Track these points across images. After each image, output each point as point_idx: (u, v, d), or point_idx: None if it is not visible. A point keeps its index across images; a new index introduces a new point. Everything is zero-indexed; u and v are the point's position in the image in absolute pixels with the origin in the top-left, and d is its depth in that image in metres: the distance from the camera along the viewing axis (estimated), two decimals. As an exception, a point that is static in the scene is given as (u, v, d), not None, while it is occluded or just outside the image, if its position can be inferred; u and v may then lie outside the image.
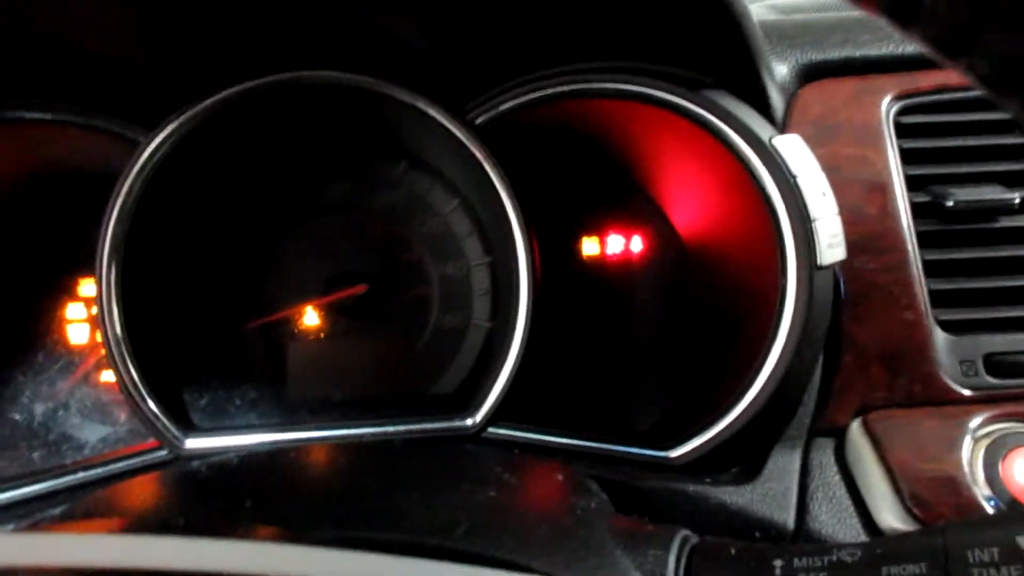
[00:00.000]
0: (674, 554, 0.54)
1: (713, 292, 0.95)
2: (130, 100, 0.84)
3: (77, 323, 0.98)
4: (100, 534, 0.30)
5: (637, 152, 0.96)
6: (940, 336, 0.81)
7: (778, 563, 0.51)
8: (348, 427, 0.85)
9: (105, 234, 0.81)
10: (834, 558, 0.50)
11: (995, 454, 0.74)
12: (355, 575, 0.36)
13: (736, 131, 0.78)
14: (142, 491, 0.61)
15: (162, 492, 0.61)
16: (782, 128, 0.84)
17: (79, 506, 0.62)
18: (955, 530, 0.49)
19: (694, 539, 0.56)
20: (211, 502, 0.58)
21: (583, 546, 0.54)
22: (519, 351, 0.85)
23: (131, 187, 0.81)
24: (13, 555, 0.29)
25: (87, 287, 0.99)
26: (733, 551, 0.54)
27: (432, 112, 0.84)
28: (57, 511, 0.67)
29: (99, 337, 0.84)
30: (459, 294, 1.02)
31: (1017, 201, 0.83)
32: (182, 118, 0.81)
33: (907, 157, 0.86)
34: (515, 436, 0.84)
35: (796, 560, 0.51)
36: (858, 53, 0.91)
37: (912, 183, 0.85)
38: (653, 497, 0.76)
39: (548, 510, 0.58)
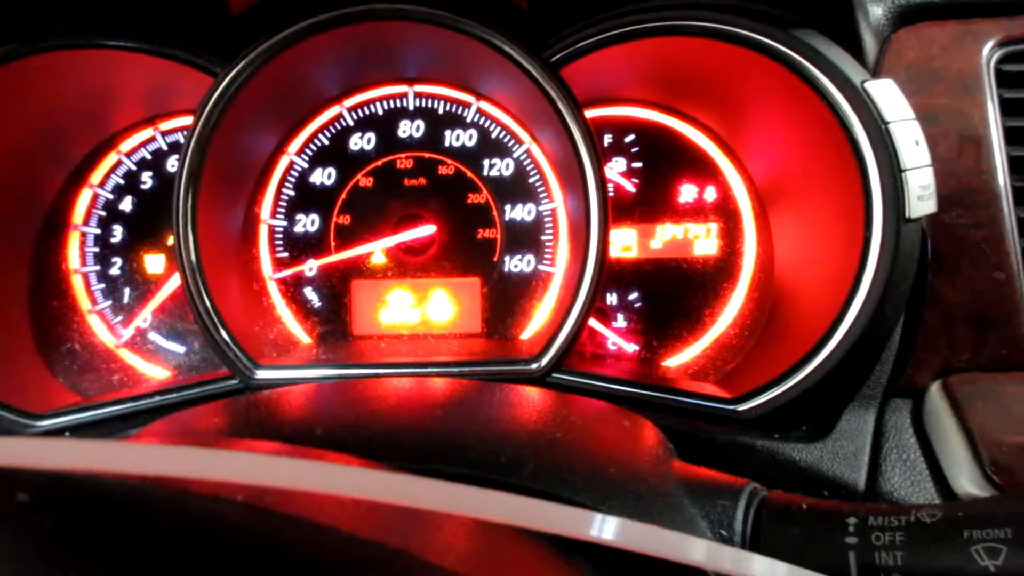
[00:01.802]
0: (743, 506, 0.53)
1: (790, 245, 0.92)
2: (207, 33, 0.84)
3: (153, 253, 1.01)
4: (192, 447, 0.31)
5: (716, 95, 0.93)
6: None
7: (852, 520, 0.50)
8: (414, 366, 0.86)
9: (183, 161, 0.82)
10: (912, 518, 0.49)
11: None
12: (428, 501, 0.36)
13: (826, 73, 0.74)
14: (215, 415, 0.62)
15: (234, 416, 0.62)
16: (875, 72, 0.80)
17: (155, 427, 0.64)
18: None
19: (763, 492, 0.55)
20: (282, 428, 0.59)
21: (651, 491, 0.53)
22: (588, 297, 0.84)
23: (209, 116, 0.82)
24: (120, 462, 0.30)
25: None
26: (804, 506, 0.52)
27: (507, 48, 0.82)
28: (135, 432, 0.69)
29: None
30: (526, 238, 1.01)
31: None
32: (258, 50, 0.81)
33: (1007, 108, 0.81)
34: (580, 382, 0.83)
35: (872, 518, 0.49)
36: (961, -5, 0.85)
37: (1011, 136, 0.80)
38: (719, 450, 0.74)
39: (614, 454, 0.58)
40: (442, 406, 0.64)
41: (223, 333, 0.82)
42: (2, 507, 0.29)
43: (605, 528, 0.40)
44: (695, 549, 0.43)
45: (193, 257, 0.82)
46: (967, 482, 0.69)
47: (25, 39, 0.79)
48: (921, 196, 0.72)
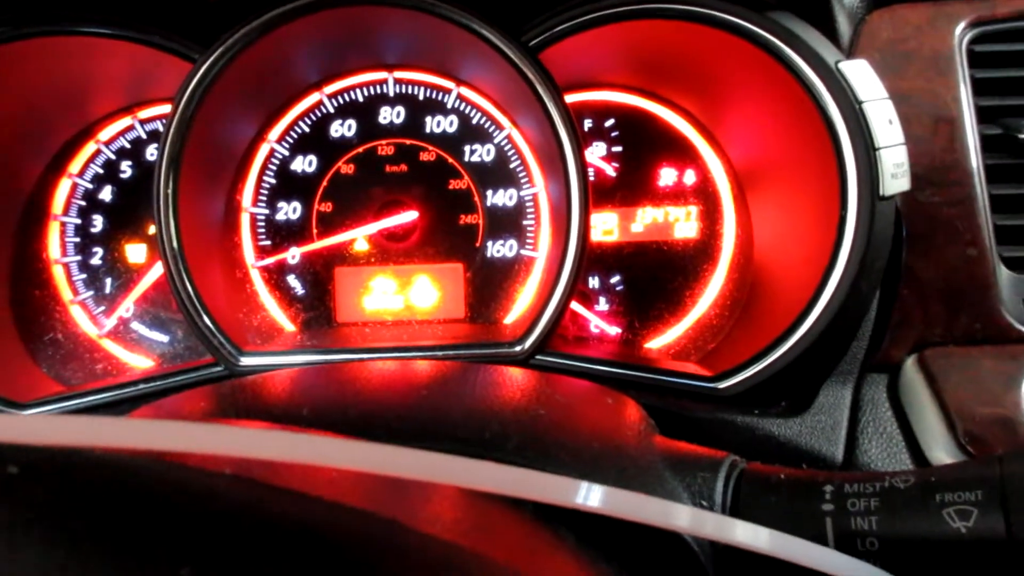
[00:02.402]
0: (722, 477, 0.54)
1: (768, 226, 0.94)
2: (185, 19, 0.84)
3: (134, 243, 1.00)
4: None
5: (694, 79, 0.94)
6: (1004, 273, 0.79)
7: (828, 488, 0.51)
8: (398, 351, 0.86)
9: (163, 149, 0.82)
10: (886, 484, 0.50)
11: None
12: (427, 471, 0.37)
13: (800, 55, 0.75)
14: (201, 399, 0.63)
15: (221, 400, 0.62)
16: (849, 54, 0.81)
17: (140, 413, 0.65)
18: (1012, 459, 0.48)
19: (742, 464, 0.56)
20: (269, 410, 0.60)
21: (633, 465, 0.54)
22: (569, 281, 0.85)
23: (188, 102, 0.82)
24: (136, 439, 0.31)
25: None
26: (782, 476, 0.54)
27: (486, 32, 0.83)
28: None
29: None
30: (508, 223, 1.02)
31: (1095, 135, 0.80)
32: (236, 35, 0.81)
33: (979, 88, 0.83)
34: (563, 363, 0.84)
35: (847, 486, 0.51)
36: (933, -24, 0.87)
37: (983, 115, 0.82)
38: (700, 426, 0.76)
39: (597, 430, 0.59)
40: (426, 386, 0.64)
41: (206, 320, 0.83)
42: None
43: (591, 496, 0.41)
44: (679, 516, 0.44)
45: (175, 245, 0.82)
46: (942, 452, 0.71)
47: (2, 26, 0.79)
48: (895, 174, 0.73)
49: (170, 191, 0.82)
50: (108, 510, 0.30)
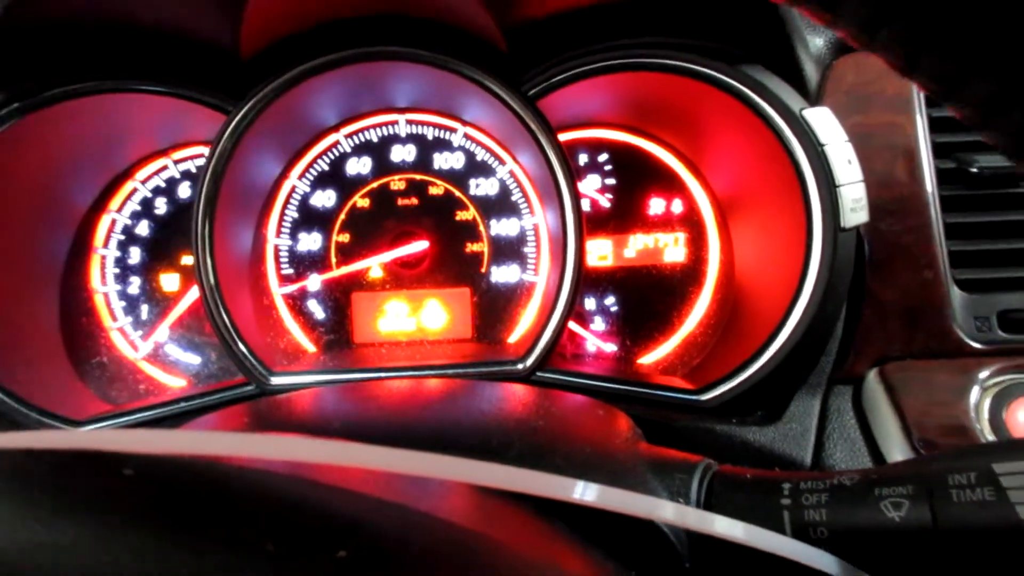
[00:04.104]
0: (697, 478, 0.62)
1: (748, 251, 1.03)
2: (217, 75, 0.94)
3: (168, 273, 1.10)
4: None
5: (679, 120, 1.03)
6: (957, 294, 0.87)
7: (786, 486, 0.59)
8: (411, 370, 0.95)
9: (200, 191, 0.91)
10: (835, 481, 0.58)
11: (1000, 402, 0.80)
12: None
13: (768, 102, 0.84)
14: (242, 416, 0.71)
15: (259, 417, 0.71)
16: (816, 98, 0.90)
17: (190, 428, 0.73)
18: (942, 458, 0.56)
19: (715, 467, 0.64)
20: (303, 424, 0.68)
21: (620, 467, 0.62)
22: (567, 302, 0.93)
23: (223, 149, 0.91)
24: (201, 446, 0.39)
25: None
26: (749, 476, 0.62)
27: (490, 84, 0.92)
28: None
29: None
30: (510, 251, 1.11)
31: (1038, 167, 0.88)
32: (266, 89, 0.90)
33: (935, 125, 0.91)
34: (562, 379, 0.93)
35: (802, 483, 0.59)
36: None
37: (939, 150, 0.90)
38: (684, 434, 0.84)
39: (589, 438, 0.67)
40: (438, 402, 0.73)
41: (240, 345, 0.92)
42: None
43: (588, 492, 0.50)
44: (664, 510, 0.53)
45: (212, 279, 0.91)
46: (899, 455, 0.80)
47: (59, 85, 0.88)
48: (854, 208, 0.82)
49: (207, 229, 0.91)
50: (202, 503, 0.38)
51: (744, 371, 0.85)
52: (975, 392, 0.82)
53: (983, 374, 0.83)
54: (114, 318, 1.08)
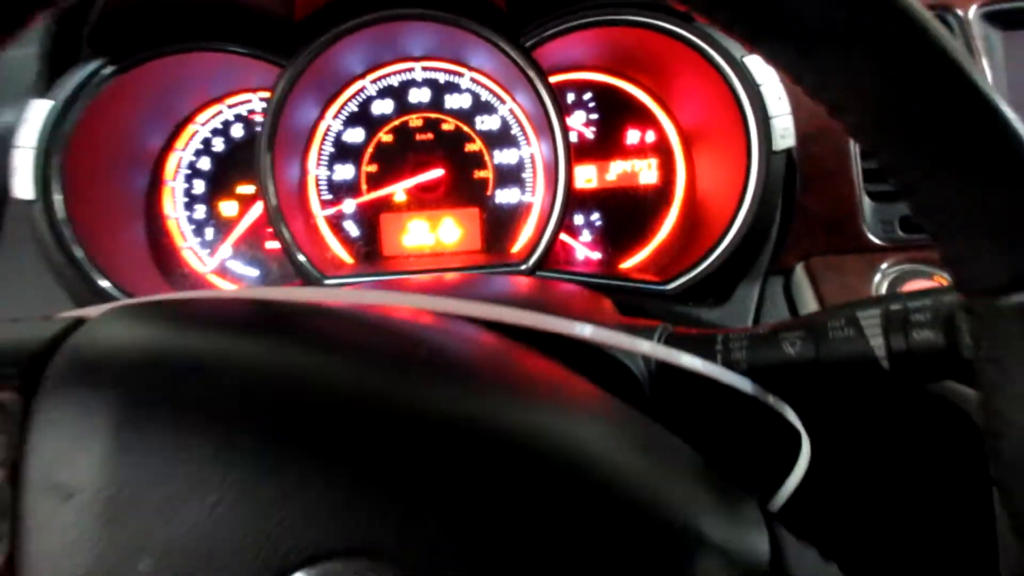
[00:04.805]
0: (657, 334, 0.84)
1: (706, 173, 1.25)
2: (270, 35, 1.14)
3: (227, 200, 1.32)
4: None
5: (651, 64, 1.23)
6: (868, 203, 1.09)
7: (719, 337, 0.78)
8: (435, 271, 1.18)
9: (265, 131, 1.12)
10: (753, 332, 0.81)
11: (895, 284, 1.02)
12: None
13: (716, 51, 1.05)
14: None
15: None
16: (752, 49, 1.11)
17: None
18: (826, 311, 0.77)
19: (671, 328, 0.87)
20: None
21: (600, 325, 0.86)
22: (559, 217, 1.15)
23: (280, 97, 1.12)
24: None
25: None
26: (694, 333, 0.84)
27: (493, 38, 1.12)
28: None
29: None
30: (511, 176, 1.32)
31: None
32: (314, 45, 1.11)
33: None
34: (557, 276, 1.16)
35: (731, 336, 0.80)
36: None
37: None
38: (652, 314, 1.07)
39: (580, 310, 0.90)
40: (458, 289, 0.96)
41: (300, 256, 1.14)
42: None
43: (584, 330, 0.71)
44: (642, 346, 0.66)
45: (274, 199, 1.13)
46: (816, 328, 1.03)
47: (151, 46, 1.09)
48: (783, 136, 1.04)
49: (268, 159, 1.12)
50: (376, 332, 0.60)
51: (699, 266, 1.08)
52: (878, 277, 1.05)
53: (884, 264, 1.06)
54: (184, 239, 1.31)
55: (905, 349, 0.62)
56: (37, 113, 1.04)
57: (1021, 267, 0.42)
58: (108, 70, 1.08)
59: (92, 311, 0.50)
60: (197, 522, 0.40)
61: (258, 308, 0.54)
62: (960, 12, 1.14)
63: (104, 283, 1.07)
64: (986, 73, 1.13)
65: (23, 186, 1.03)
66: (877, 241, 1.08)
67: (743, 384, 0.66)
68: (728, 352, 0.70)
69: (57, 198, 1.04)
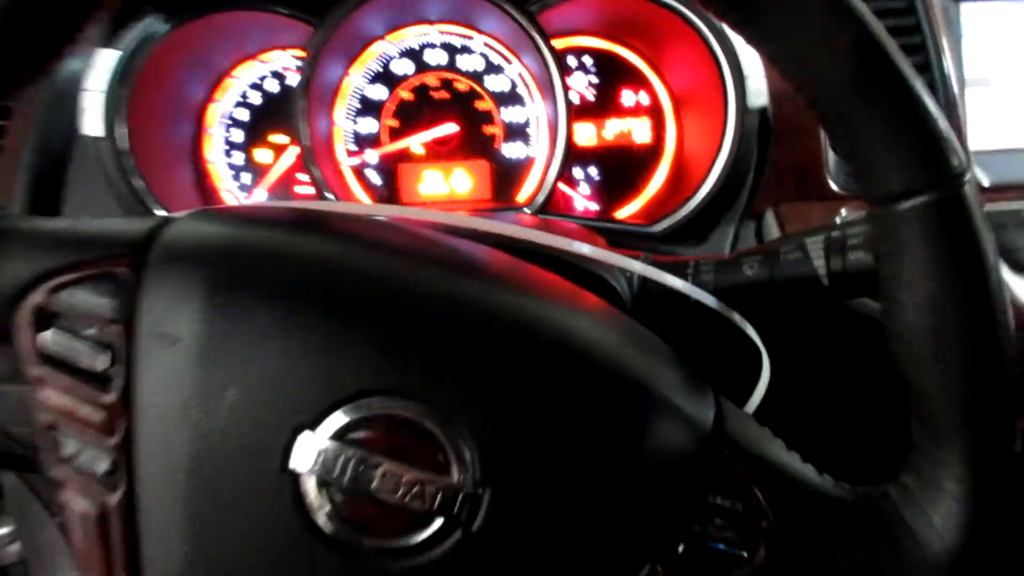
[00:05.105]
0: (640, 261, 0.99)
1: (693, 131, 1.39)
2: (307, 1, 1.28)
3: (261, 148, 1.46)
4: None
5: (646, 31, 1.36)
6: (831, 156, 1.23)
7: (692, 263, 0.79)
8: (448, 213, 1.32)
9: (302, 84, 1.26)
10: (718, 258, 0.87)
11: None
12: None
13: (702, 20, 1.20)
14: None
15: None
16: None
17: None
18: (779, 240, 0.86)
19: (652, 256, 1.00)
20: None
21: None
22: (559, 169, 1.29)
23: (315, 54, 1.26)
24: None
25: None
26: (671, 260, 0.95)
27: (502, 3, 1.26)
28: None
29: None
30: (518, 132, 1.45)
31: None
32: (343, 8, 1.25)
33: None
34: (559, 219, 1.31)
35: (701, 262, 0.78)
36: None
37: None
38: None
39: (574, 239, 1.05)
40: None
41: (330, 195, 1.29)
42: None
43: (584, 248, 0.79)
44: (633, 265, 0.75)
45: (307, 141, 1.27)
46: (781, 264, 1.18)
47: (200, 6, 1.23)
48: (756, 94, 1.17)
49: (305, 106, 1.26)
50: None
51: (681, 211, 1.21)
52: (837, 221, 1.19)
53: (844, 211, 1.19)
54: (224, 182, 1.45)
55: (841, 269, 0.70)
56: (105, 61, 1.18)
57: (912, 178, 0.53)
58: (164, 27, 1.22)
59: (178, 214, 0.64)
60: (271, 363, 0.52)
61: (312, 213, 0.68)
62: (921, -14, 1.28)
63: (161, 213, 1.22)
64: (943, 43, 1.27)
65: (93, 124, 1.18)
66: (839, 190, 1.22)
67: (710, 300, 0.75)
68: (698, 274, 0.78)
69: (121, 132, 1.19)
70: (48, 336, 0.54)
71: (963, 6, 1.30)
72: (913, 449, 0.59)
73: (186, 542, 0.53)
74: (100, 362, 0.54)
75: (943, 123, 0.54)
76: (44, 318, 0.55)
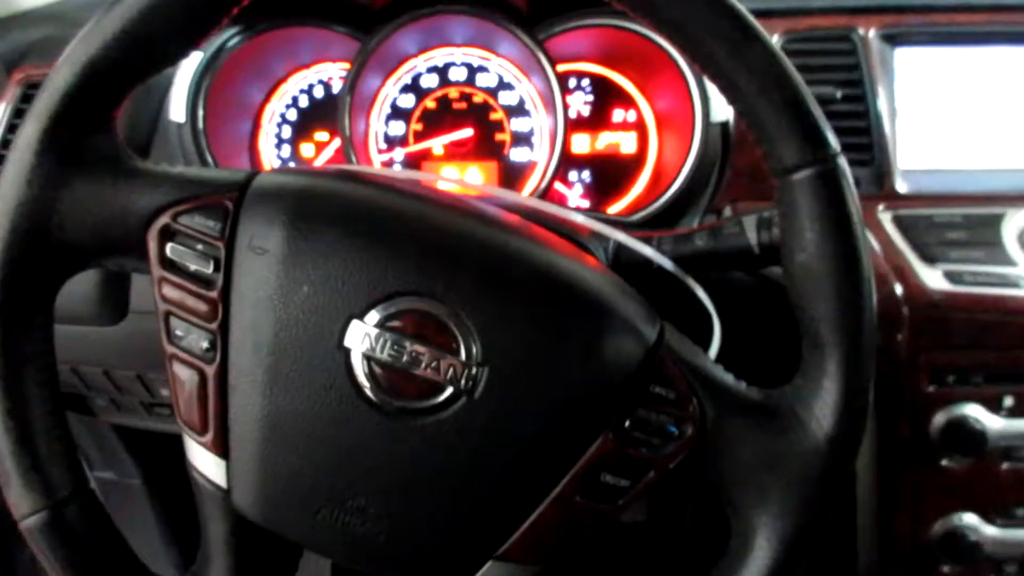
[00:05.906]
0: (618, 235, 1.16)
1: (670, 141, 1.65)
2: (349, 15, 1.54)
3: (306, 143, 1.72)
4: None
5: (636, 59, 1.59)
6: None
7: (655, 239, 0.87)
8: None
9: (346, 94, 1.49)
10: (676, 233, 0.88)
11: None
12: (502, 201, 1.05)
13: (680, 54, 1.46)
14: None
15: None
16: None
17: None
18: (727, 218, 0.84)
19: (628, 232, 1.14)
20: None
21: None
22: (553, 172, 1.54)
23: (359, 67, 1.52)
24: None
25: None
26: (638, 235, 0.89)
27: (515, 30, 1.50)
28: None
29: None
30: (523, 140, 1.69)
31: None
32: (387, 27, 1.50)
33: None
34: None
35: (660, 237, 0.88)
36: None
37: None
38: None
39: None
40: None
41: (364, 174, 1.54)
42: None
43: (578, 217, 0.84)
44: (617, 235, 0.85)
45: (347, 131, 1.49)
46: (734, 249, 1.42)
47: (263, 22, 1.49)
48: (719, 112, 1.43)
49: (348, 103, 1.51)
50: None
51: (653, 205, 1.46)
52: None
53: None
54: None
55: (769, 241, 0.83)
56: (192, 61, 1.45)
57: (801, 157, 0.67)
58: (238, 38, 1.49)
59: (265, 170, 0.88)
60: (333, 269, 0.67)
61: (360, 171, 0.89)
62: (862, 31, 1.54)
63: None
64: (878, 81, 1.52)
65: (178, 111, 1.45)
66: (790, 193, 1.47)
67: (668, 264, 0.86)
68: (660, 245, 0.89)
69: (200, 114, 1.45)
70: (170, 247, 0.70)
71: (897, 51, 1.55)
72: (803, 360, 0.71)
73: (265, 400, 0.69)
74: (208, 266, 0.69)
75: (823, 119, 0.68)
76: (168, 234, 0.70)
